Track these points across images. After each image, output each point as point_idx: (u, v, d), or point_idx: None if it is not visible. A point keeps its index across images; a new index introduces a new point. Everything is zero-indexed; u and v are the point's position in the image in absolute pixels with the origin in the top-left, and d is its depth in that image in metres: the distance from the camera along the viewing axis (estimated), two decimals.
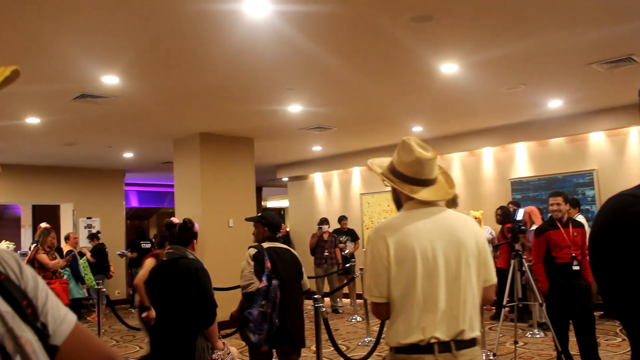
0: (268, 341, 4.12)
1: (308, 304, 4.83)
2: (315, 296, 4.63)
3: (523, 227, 6.48)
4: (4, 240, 12.69)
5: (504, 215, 8.25)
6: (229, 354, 3.73)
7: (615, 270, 1.05)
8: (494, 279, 2.41)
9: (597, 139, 8.89)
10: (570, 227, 5.30)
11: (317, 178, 13.34)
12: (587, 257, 5.44)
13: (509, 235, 6.68)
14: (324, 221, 10.74)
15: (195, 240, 3.91)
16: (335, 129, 9.10)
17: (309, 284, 4.63)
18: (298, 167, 13.29)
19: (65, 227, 12.37)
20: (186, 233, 3.85)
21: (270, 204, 20.62)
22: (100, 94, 6.35)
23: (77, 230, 12.04)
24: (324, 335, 4.72)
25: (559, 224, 5.29)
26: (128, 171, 13.37)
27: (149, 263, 4.80)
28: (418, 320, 2.21)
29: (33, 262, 7.66)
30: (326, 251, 10.47)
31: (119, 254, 12.00)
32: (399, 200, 2.49)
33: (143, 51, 5.12)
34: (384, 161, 2.54)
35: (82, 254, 10.67)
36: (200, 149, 9.04)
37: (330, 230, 10.78)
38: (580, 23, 4.83)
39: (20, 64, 1.00)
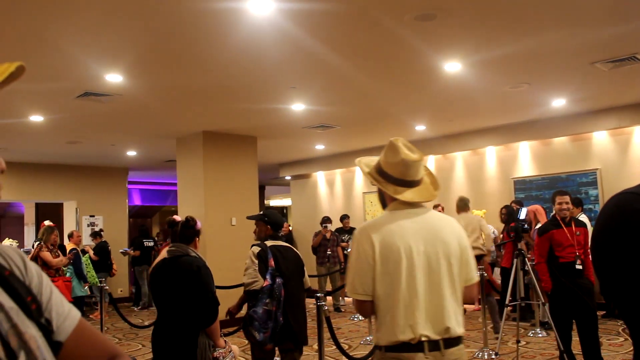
0: (273, 339, 4.13)
1: (310, 303, 4.83)
2: (318, 295, 4.63)
3: (526, 226, 6.46)
4: (7, 238, 12.73)
5: (509, 215, 8.24)
6: (230, 352, 3.73)
7: (617, 266, 1.05)
8: (475, 277, 2.48)
9: (601, 138, 8.87)
10: (573, 226, 5.29)
11: (319, 177, 13.34)
12: (590, 257, 5.44)
13: (512, 234, 6.67)
14: (327, 220, 10.76)
15: (197, 238, 3.91)
16: (338, 127, 9.10)
17: (309, 282, 4.64)
18: (301, 165, 13.29)
19: (68, 225, 12.40)
20: (188, 231, 3.85)
21: (273, 202, 20.63)
22: (103, 92, 6.36)
23: (80, 228, 12.06)
24: (326, 334, 4.72)
25: (562, 223, 5.29)
26: (131, 169, 13.39)
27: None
28: (406, 318, 2.27)
29: (36, 259, 7.68)
30: (329, 250, 10.48)
31: (121, 252, 12.03)
32: (384, 200, 2.55)
33: (146, 49, 5.12)
34: (372, 160, 2.59)
35: (85, 252, 10.69)
36: (203, 147, 9.04)
37: (333, 229, 10.79)
38: (583, 22, 4.82)
39: (23, 62, 1.00)
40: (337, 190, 12.90)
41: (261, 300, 4.09)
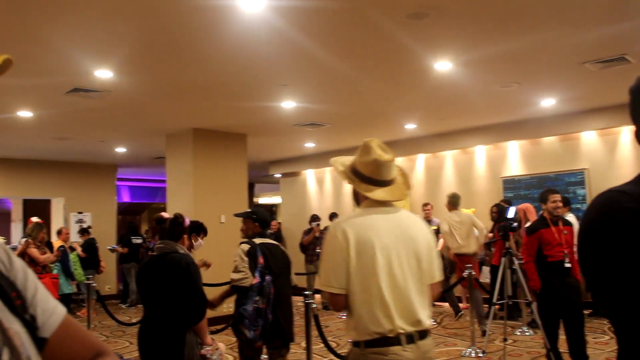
0: (263, 337, 4.13)
1: (298, 300, 4.83)
2: (306, 293, 4.64)
3: (515, 225, 6.49)
4: None
5: (500, 213, 8.27)
6: (217, 349, 3.72)
7: (603, 266, 1.06)
8: (439, 276, 2.58)
9: (589, 138, 8.93)
10: (561, 225, 5.32)
11: (309, 175, 13.33)
12: (576, 256, 5.46)
13: (500, 234, 6.70)
14: (316, 218, 10.76)
15: (185, 235, 3.90)
16: (329, 125, 9.10)
17: (295, 279, 4.65)
18: (291, 163, 13.28)
19: (56, 222, 12.31)
20: (177, 228, 3.84)
21: (263, 200, 20.59)
22: (93, 88, 6.32)
23: (68, 225, 11.97)
24: (314, 332, 4.73)
25: (550, 223, 5.31)
26: (120, 166, 13.32)
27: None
28: (383, 311, 2.34)
29: (23, 255, 7.62)
30: (317, 248, 10.48)
31: (109, 249, 11.96)
32: (358, 198, 2.65)
33: (137, 46, 5.09)
34: (348, 160, 2.69)
35: (72, 249, 10.63)
36: (193, 144, 9.01)
37: (321, 227, 10.78)
38: (574, 22, 4.85)
39: (12, 57, 0.98)
40: (327, 189, 12.90)
41: (251, 298, 4.08)
